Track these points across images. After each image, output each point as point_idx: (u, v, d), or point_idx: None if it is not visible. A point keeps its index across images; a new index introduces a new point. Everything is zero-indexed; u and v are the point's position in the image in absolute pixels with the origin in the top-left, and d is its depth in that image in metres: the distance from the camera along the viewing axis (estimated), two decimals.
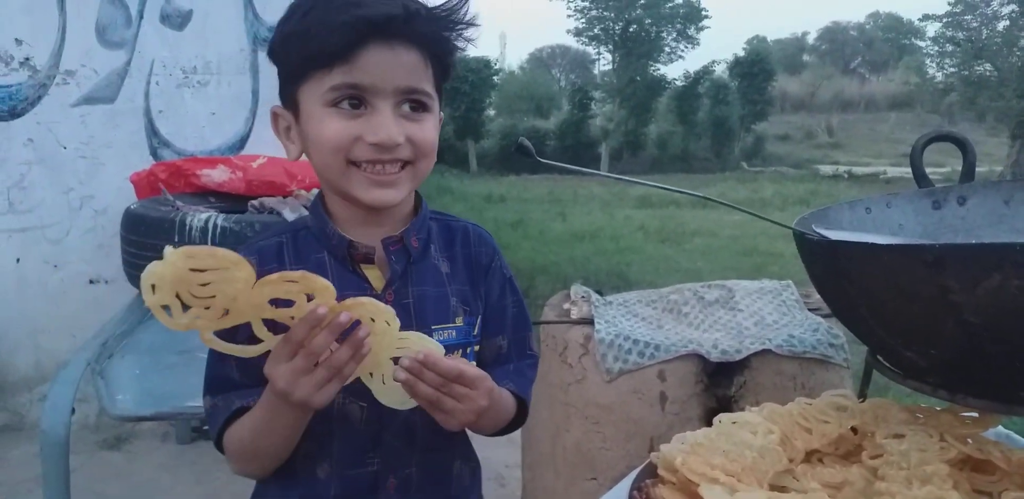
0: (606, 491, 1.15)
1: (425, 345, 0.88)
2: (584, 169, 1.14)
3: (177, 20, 3.30)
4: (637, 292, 1.86)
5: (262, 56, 3.38)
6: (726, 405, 1.54)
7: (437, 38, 0.92)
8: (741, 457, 0.98)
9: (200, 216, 2.36)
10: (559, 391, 1.69)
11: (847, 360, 1.54)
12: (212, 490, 2.45)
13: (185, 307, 0.78)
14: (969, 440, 1.06)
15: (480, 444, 3.15)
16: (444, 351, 0.89)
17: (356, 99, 0.90)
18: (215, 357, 0.97)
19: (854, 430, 1.15)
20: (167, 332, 1.06)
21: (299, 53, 0.90)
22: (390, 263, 0.98)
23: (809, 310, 1.66)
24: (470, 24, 0.94)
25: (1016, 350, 0.95)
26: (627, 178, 1.19)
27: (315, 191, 1.72)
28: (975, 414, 1.10)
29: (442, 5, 0.92)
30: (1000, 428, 1.39)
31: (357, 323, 0.83)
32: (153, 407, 1.58)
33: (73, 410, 1.64)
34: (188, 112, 3.38)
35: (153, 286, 0.76)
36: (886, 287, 1.00)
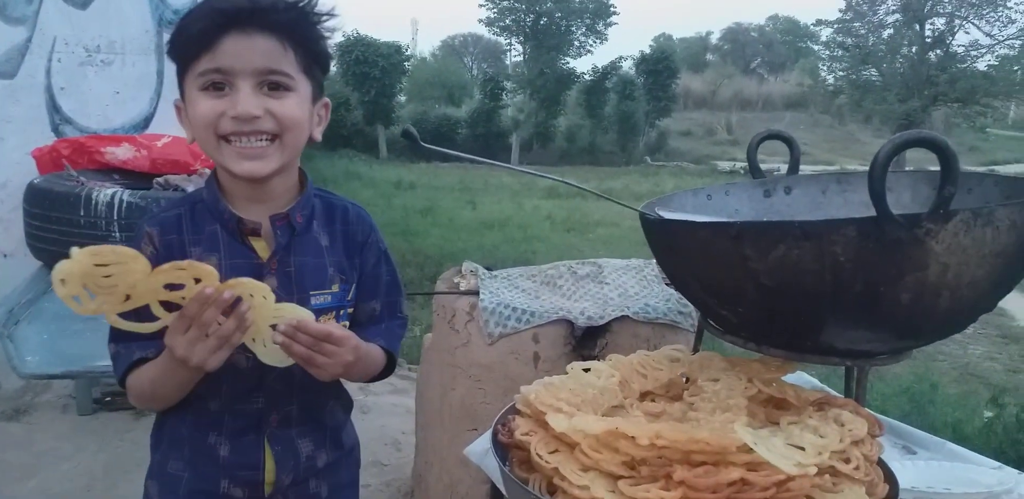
0: None
1: (298, 314, 1.03)
2: (463, 155, 1.31)
3: None
4: (521, 268, 2.06)
5: (167, 38, 3.40)
6: None
7: (292, 26, 1.05)
8: (584, 393, 1.18)
9: (106, 192, 2.42)
10: (447, 354, 1.88)
11: (693, 325, 1.78)
12: (114, 457, 2.51)
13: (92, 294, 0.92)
14: (774, 384, 1.31)
15: (379, 414, 3.30)
16: (315, 318, 1.04)
17: (221, 82, 1.03)
18: None
19: (688, 379, 1.38)
20: None
21: (178, 47, 1.05)
22: (276, 237, 1.12)
23: (666, 284, 1.91)
24: (327, 15, 1.09)
25: (800, 307, 1.19)
26: (499, 164, 1.37)
27: None
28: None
29: None
30: (808, 377, 1.66)
31: (239, 300, 0.98)
32: (63, 366, 1.69)
33: None
34: (91, 90, 3.38)
35: (63, 280, 0.89)
36: (702, 257, 1.21)
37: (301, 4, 1.07)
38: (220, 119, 1.03)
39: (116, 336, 1.11)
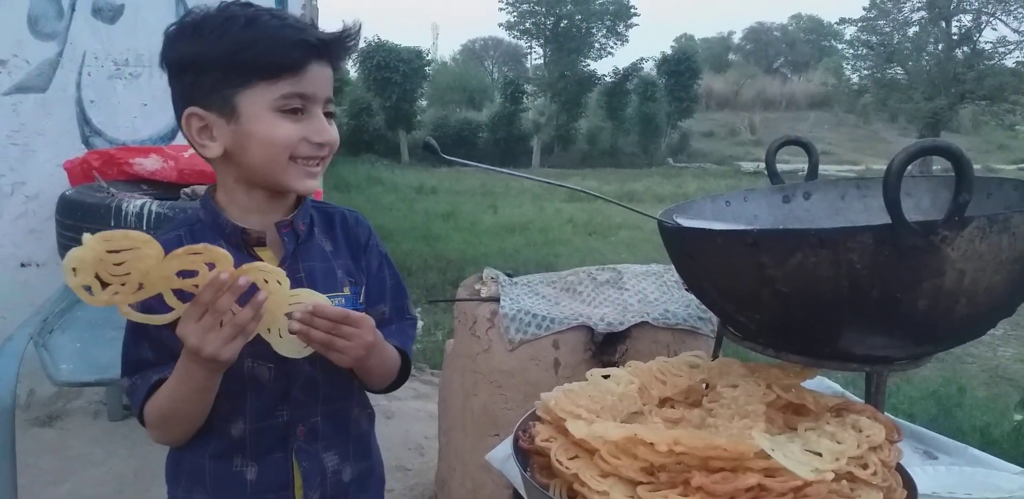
0: None
1: (313, 298, 1.01)
2: (480, 165, 1.34)
3: (109, 14, 3.37)
4: (541, 274, 2.08)
5: None
6: None
7: (341, 58, 1.11)
8: (603, 399, 1.20)
9: (135, 202, 2.47)
10: (469, 360, 1.90)
11: (713, 330, 1.79)
12: (144, 463, 2.58)
13: (104, 285, 0.89)
14: (793, 390, 1.32)
15: (402, 418, 3.35)
16: (330, 302, 1.03)
17: (300, 106, 1.05)
18: (130, 340, 1.10)
19: (708, 385, 1.39)
20: (104, 310, 1.15)
21: (245, 62, 1.02)
22: (283, 244, 1.12)
23: (685, 289, 1.91)
24: (357, 47, 1.15)
25: (817, 313, 1.19)
26: (515, 173, 1.39)
27: None
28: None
29: (347, 32, 1.09)
30: (830, 382, 1.66)
31: (255, 287, 0.96)
32: (96, 374, 1.72)
33: None
34: (120, 103, 3.44)
35: (74, 269, 0.86)
36: (719, 264, 1.23)
37: (352, 37, 1.11)
38: (299, 143, 1.06)
39: (129, 367, 1.11)
